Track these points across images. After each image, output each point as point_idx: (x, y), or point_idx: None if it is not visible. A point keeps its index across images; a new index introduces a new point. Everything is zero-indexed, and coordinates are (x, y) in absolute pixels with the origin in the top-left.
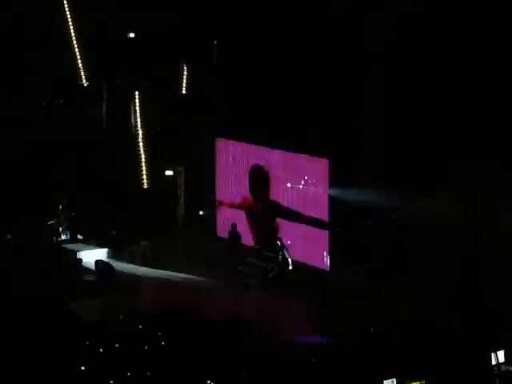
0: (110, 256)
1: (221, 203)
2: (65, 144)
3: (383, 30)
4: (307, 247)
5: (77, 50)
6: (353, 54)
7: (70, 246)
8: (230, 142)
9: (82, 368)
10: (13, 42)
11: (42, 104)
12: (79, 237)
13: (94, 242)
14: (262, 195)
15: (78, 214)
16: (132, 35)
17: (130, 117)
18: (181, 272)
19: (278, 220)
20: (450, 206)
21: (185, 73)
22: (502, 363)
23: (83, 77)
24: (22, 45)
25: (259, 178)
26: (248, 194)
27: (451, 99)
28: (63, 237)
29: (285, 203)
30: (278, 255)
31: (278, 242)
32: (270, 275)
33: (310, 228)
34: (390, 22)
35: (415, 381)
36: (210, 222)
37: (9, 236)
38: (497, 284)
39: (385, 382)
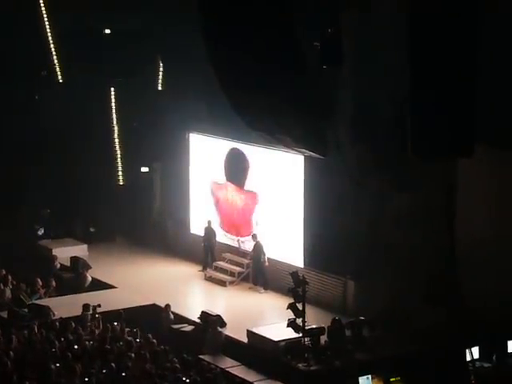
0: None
1: None
2: (40, 140)
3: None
4: (282, 244)
5: (52, 46)
6: (329, 49)
7: (44, 243)
8: (204, 136)
9: (57, 365)
10: None
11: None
12: (40, 232)
13: (69, 238)
14: (239, 179)
15: (54, 210)
16: (108, 31)
17: (106, 113)
18: (156, 268)
19: (255, 216)
20: (425, 199)
21: (160, 69)
22: (477, 359)
23: (58, 73)
24: None
25: (238, 162)
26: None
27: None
28: (39, 233)
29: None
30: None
31: (253, 239)
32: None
33: (286, 225)
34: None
35: (390, 377)
36: (183, 218)
37: None
38: (473, 280)
39: (360, 378)
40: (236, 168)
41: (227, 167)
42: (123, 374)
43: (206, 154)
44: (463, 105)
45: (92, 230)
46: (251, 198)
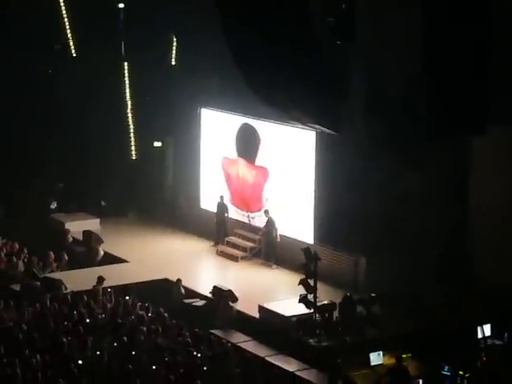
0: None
1: None
2: (53, 114)
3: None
4: (293, 220)
5: (66, 19)
6: (343, 25)
7: (57, 216)
8: (216, 111)
9: (69, 338)
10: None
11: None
12: (53, 206)
13: (82, 212)
14: (250, 154)
15: (67, 184)
16: (121, 5)
17: (119, 88)
18: (168, 242)
19: (265, 191)
20: (437, 176)
21: (174, 44)
22: (488, 337)
23: (72, 47)
24: (10, 16)
25: (250, 137)
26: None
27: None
28: (51, 207)
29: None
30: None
31: (265, 214)
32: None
33: (297, 201)
34: None
35: (401, 354)
36: (195, 193)
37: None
38: (484, 258)
39: (371, 354)
40: (247, 143)
41: (238, 142)
42: (135, 348)
43: (217, 128)
44: (476, 83)
45: (103, 203)
46: (262, 173)
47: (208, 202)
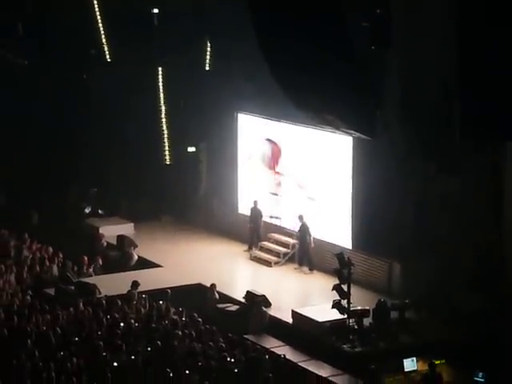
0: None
1: None
2: (88, 120)
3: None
4: (330, 226)
5: (101, 25)
6: (378, 30)
7: (91, 221)
8: (252, 116)
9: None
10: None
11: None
12: (99, 211)
13: (116, 217)
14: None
15: (101, 189)
16: (156, 11)
17: (153, 93)
18: (202, 247)
19: (300, 197)
20: (473, 183)
21: (208, 49)
22: None
23: (107, 52)
24: (46, 20)
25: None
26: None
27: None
28: (85, 211)
29: (307, 180)
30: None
31: (300, 220)
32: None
33: (334, 206)
34: None
35: (435, 360)
36: (230, 198)
37: (35, 216)
38: None
39: (405, 360)
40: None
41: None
42: (169, 353)
43: (253, 133)
44: None
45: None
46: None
47: (245, 206)
